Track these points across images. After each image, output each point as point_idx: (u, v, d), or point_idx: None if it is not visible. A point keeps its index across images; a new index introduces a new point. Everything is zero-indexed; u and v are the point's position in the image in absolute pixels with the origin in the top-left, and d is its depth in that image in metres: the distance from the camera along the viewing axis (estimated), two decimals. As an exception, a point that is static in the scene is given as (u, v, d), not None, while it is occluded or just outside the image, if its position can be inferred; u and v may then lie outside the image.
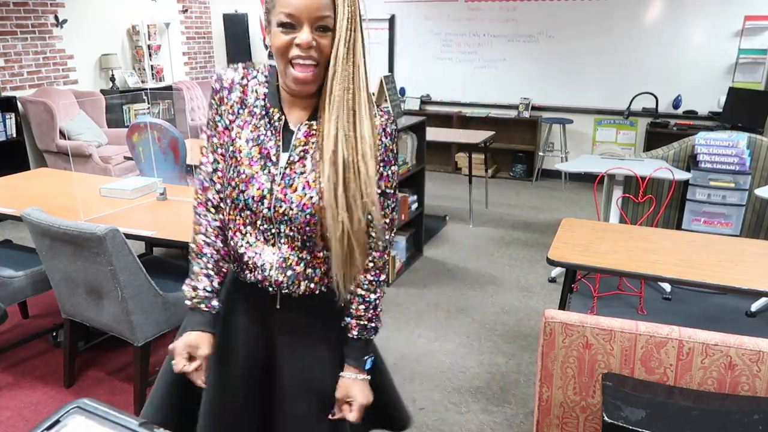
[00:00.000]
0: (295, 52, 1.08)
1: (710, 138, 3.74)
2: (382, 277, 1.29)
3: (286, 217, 1.16)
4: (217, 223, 1.26)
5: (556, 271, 3.85)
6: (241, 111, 1.20)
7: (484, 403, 2.53)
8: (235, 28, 7.44)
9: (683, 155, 3.93)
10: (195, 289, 1.24)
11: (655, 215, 4.00)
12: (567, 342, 1.56)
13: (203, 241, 1.25)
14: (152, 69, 6.68)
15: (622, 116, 5.76)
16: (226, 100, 1.20)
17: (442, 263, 4.09)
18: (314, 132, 1.17)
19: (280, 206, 1.16)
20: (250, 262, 1.22)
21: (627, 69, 5.99)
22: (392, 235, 1.31)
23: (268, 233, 1.19)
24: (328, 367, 1.29)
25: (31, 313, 3.24)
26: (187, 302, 1.25)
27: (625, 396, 1.43)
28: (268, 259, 1.20)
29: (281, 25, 1.07)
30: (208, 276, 1.25)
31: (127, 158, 4.81)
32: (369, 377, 1.29)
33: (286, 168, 1.17)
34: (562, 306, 2.45)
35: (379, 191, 1.19)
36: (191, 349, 1.22)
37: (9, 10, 5.25)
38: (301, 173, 1.16)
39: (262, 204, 1.17)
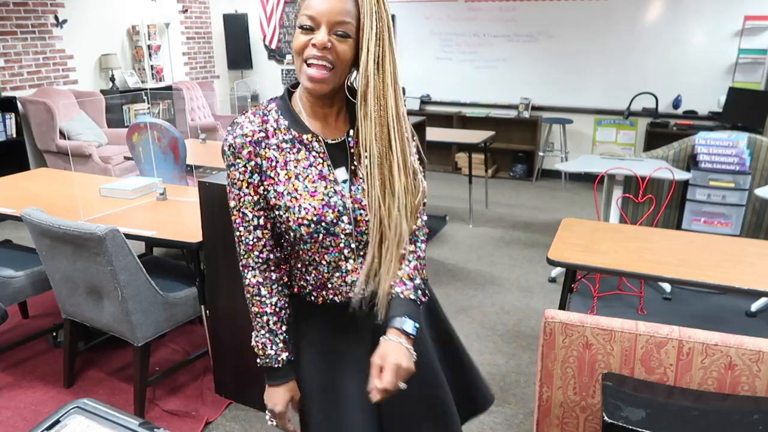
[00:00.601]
0: (310, 52, 1.11)
1: (710, 138, 3.74)
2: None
3: (366, 225, 1.19)
4: (273, 284, 1.26)
5: (556, 271, 3.85)
6: (278, 154, 1.18)
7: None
8: (235, 28, 7.44)
9: (683, 155, 3.93)
10: (262, 347, 1.27)
11: (655, 215, 4.00)
12: (567, 342, 1.56)
13: (260, 301, 1.26)
14: (152, 69, 6.68)
15: (622, 116, 5.75)
16: (254, 155, 1.17)
17: (442, 263, 4.09)
18: (357, 140, 1.20)
19: (361, 215, 1.19)
20: (334, 287, 1.24)
21: (627, 69, 5.99)
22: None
23: (349, 249, 1.21)
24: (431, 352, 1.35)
25: (31, 313, 3.24)
26: (258, 361, 1.29)
27: (625, 396, 1.43)
28: (353, 273, 1.23)
29: (301, 26, 1.11)
30: (272, 333, 1.27)
31: (127, 158, 4.81)
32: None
33: (350, 180, 1.20)
34: (562, 306, 2.45)
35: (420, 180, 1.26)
36: (281, 406, 1.28)
37: (9, 10, 5.26)
38: (362, 179, 1.20)
39: (343, 222, 1.18)
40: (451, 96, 6.77)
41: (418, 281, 1.26)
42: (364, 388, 1.19)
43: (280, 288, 1.27)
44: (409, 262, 1.26)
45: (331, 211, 1.17)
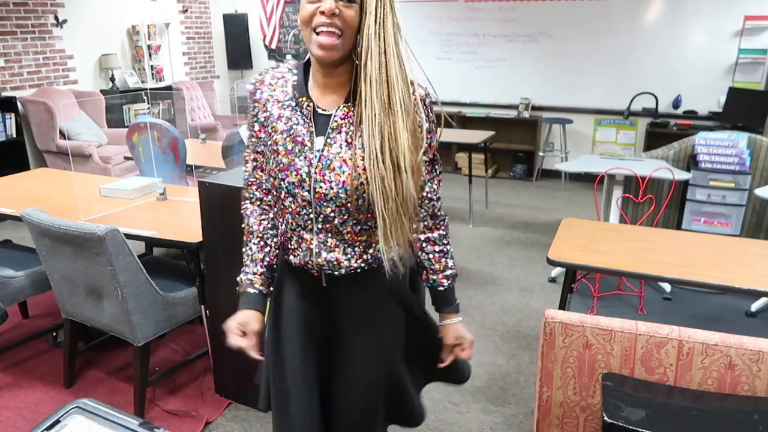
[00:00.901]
0: (318, 20, 1.13)
1: (710, 138, 3.74)
2: (447, 231, 1.42)
3: (327, 197, 1.21)
4: (262, 215, 1.38)
5: (556, 271, 3.85)
6: (275, 107, 1.27)
7: (484, 403, 2.53)
8: (235, 28, 7.44)
9: (683, 155, 3.93)
10: (244, 273, 1.38)
11: (655, 215, 4.00)
12: (567, 342, 1.56)
13: (247, 231, 1.39)
14: (152, 69, 6.68)
15: (622, 116, 5.75)
16: (259, 102, 1.29)
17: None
18: (352, 113, 1.21)
19: (320, 187, 1.21)
20: (293, 247, 1.31)
21: (627, 69, 5.99)
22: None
23: (308, 218, 1.25)
24: (384, 330, 1.39)
25: (31, 313, 3.24)
26: (238, 288, 1.39)
27: (625, 396, 1.43)
28: (309, 243, 1.28)
29: None
30: (253, 262, 1.37)
31: (127, 158, 4.80)
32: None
33: (323, 150, 1.22)
34: (562, 306, 2.45)
35: (429, 158, 1.33)
36: (242, 326, 1.33)
37: (9, 10, 5.25)
38: (338, 153, 1.21)
39: (303, 188, 1.22)
40: (451, 96, 6.76)
41: (449, 271, 1.40)
42: (306, 356, 1.35)
43: (269, 226, 1.38)
44: (438, 247, 1.39)
45: (294, 173, 1.22)
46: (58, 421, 0.93)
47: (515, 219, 5.14)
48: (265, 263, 1.38)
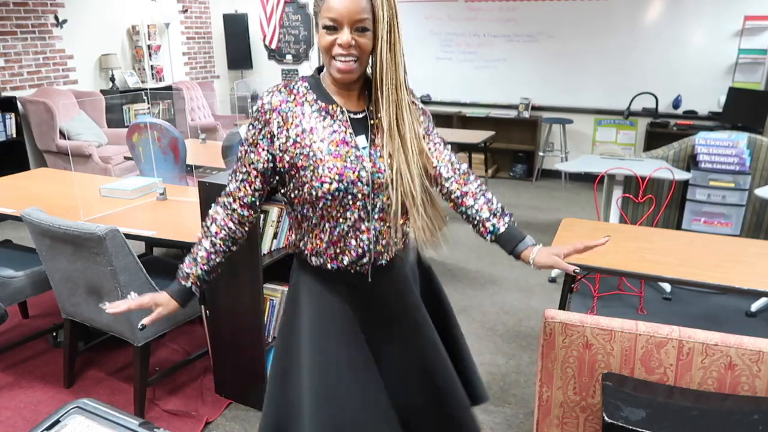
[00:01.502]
0: (337, 50, 1.27)
1: (710, 138, 3.74)
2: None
3: (384, 186, 1.35)
4: (225, 225, 1.42)
5: (556, 271, 3.85)
6: (304, 121, 1.34)
7: (484, 403, 2.53)
8: (235, 28, 7.44)
9: (683, 155, 3.93)
10: (187, 267, 1.45)
11: (655, 215, 4.00)
12: (567, 342, 1.56)
13: (204, 232, 1.43)
14: (152, 69, 6.68)
15: (622, 116, 5.76)
16: (272, 122, 1.34)
17: (442, 263, 4.09)
18: (374, 115, 1.37)
19: (378, 178, 1.35)
20: (347, 248, 1.39)
21: (627, 69, 5.99)
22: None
23: (365, 211, 1.36)
24: (421, 306, 1.54)
25: (31, 313, 3.24)
26: (177, 276, 1.46)
27: (625, 396, 1.43)
28: (367, 234, 1.38)
29: (325, 27, 1.26)
30: (196, 262, 1.44)
31: (127, 158, 4.81)
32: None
33: (369, 147, 1.36)
34: (562, 306, 2.45)
35: (437, 140, 1.48)
36: (154, 305, 1.43)
37: (9, 10, 5.26)
38: (382, 146, 1.36)
39: (361, 183, 1.34)
40: (451, 96, 6.76)
41: (497, 208, 1.46)
42: (362, 352, 1.42)
43: (229, 237, 1.43)
44: (479, 198, 1.46)
45: (351, 172, 1.33)
46: (58, 421, 0.93)
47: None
48: (206, 268, 1.44)
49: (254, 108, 1.37)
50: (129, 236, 2.27)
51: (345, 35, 1.25)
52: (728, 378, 1.45)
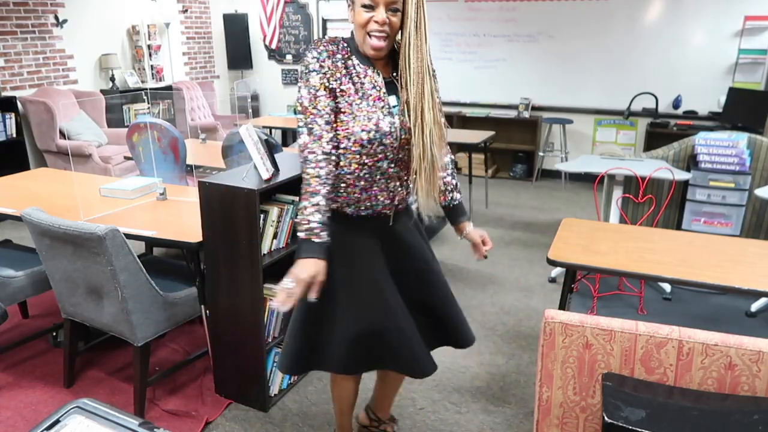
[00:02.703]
0: (372, 27, 1.51)
1: (710, 138, 3.74)
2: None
3: (407, 143, 1.61)
4: (331, 167, 1.56)
5: (556, 271, 3.85)
6: (345, 78, 1.57)
7: (484, 403, 2.53)
8: (235, 28, 7.44)
9: (683, 155, 3.93)
10: (309, 222, 1.51)
11: (655, 215, 4.00)
12: (567, 342, 1.56)
13: (318, 182, 1.53)
14: (152, 69, 6.68)
15: (622, 116, 5.76)
16: (328, 70, 1.55)
17: (442, 263, 4.09)
18: (400, 82, 1.60)
19: (405, 134, 1.61)
20: (376, 193, 1.65)
21: (627, 69, 5.99)
22: None
23: (392, 162, 1.63)
24: (427, 247, 1.88)
25: (31, 313, 3.24)
26: (301, 234, 1.51)
27: (625, 396, 1.43)
28: (395, 182, 1.66)
29: (364, 6, 1.50)
30: (320, 212, 1.52)
31: (127, 158, 4.81)
32: None
33: (398, 105, 1.61)
34: (562, 306, 2.45)
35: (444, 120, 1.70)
36: (312, 278, 1.49)
37: (9, 10, 5.26)
38: (405, 107, 1.59)
39: (392, 136, 1.59)
40: (451, 96, 6.76)
41: (457, 184, 1.88)
42: (383, 275, 1.71)
43: (331, 177, 1.56)
44: (453, 179, 1.86)
45: (385, 124, 1.57)
46: (58, 421, 0.93)
47: (515, 219, 5.14)
48: (327, 216, 1.54)
49: (309, 58, 1.54)
50: (129, 236, 2.27)
51: (381, 13, 1.48)
52: (728, 378, 1.45)
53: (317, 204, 1.51)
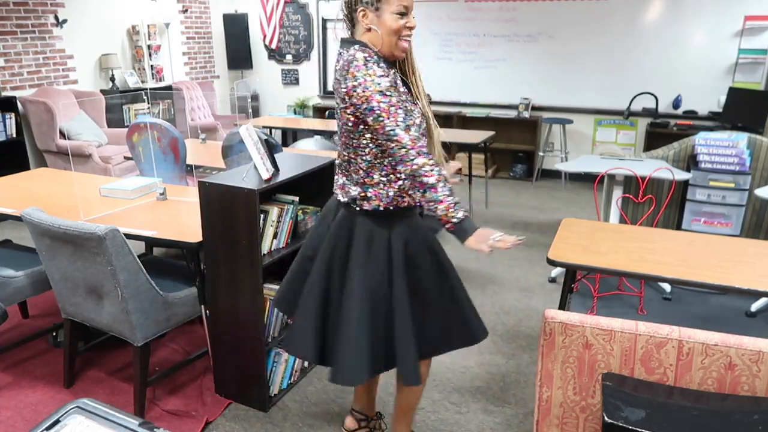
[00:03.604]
0: (405, 32, 1.67)
1: (710, 138, 3.74)
2: None
3: (428, 133, 1.79)
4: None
5: (556, 271, 3.85)
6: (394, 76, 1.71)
7: (484, 403, 2.53)
8: (235, 28, 7.44)
9: (683, 155, 3.93)
10: (456, 204, 1.60)
11: (655, 215, 4.00)
12: (567, 342, 1.56)
13: (440, 173, 1.61)
14: (152, 69, 6.68)
15: (622, 116, 5.76)
16: (387, 70, 1.67)
17: (442, 263, 4.09)
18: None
19: (425, 125, 1.78)
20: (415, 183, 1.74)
21: (627, 69, 5.99)
22: None
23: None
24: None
25: (31, 313, 3.24)
26: (460, 215, 1.60)
27: (625, 396, 1.43)
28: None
29: (399, 13, 1.63)
30: (451, 194, 1.61)
31: (127, 158, 4.81)
32: None
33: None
34: (562, 306, 2.45)
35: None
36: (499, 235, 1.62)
37: (9, 10, 5.25)
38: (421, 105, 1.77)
39: (422, 127, 1.75)
40: (451, 96, 6.76)
41: None
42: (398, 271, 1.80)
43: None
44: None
45: (418, 117, 1.73)
46: (58, 421, 0.93)
47: (515, 219, 5.14)
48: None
49: (365, 61, 1.60)
50: (129, 236, 2.27)
51: (414, 20, 1.66)
52: (728, 378, 1.45)
53: (448, 187, 1.62)
